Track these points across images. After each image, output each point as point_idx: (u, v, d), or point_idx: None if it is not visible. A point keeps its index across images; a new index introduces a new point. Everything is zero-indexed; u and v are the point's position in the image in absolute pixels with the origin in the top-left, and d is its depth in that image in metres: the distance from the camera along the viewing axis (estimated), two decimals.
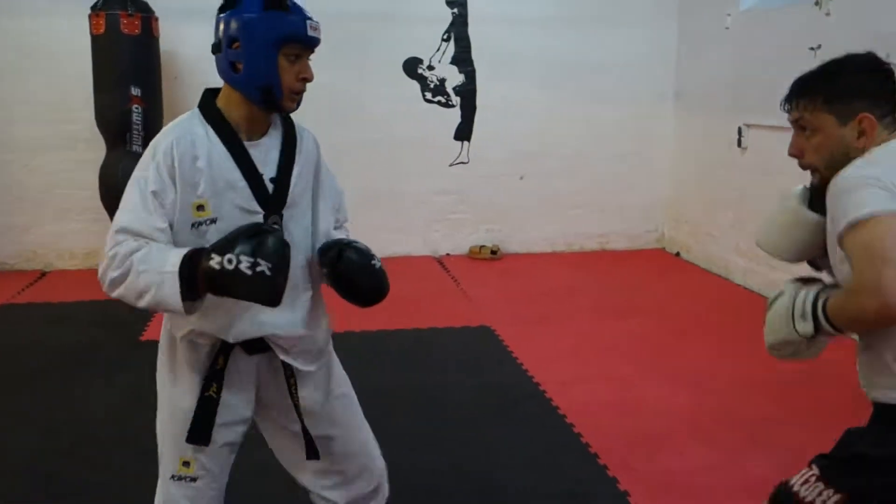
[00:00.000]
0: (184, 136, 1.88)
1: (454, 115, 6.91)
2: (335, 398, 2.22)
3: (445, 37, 6.73)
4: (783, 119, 4.47)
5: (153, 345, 4.69)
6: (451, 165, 6.98)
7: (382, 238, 6.91)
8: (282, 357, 2.05)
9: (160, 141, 1.89)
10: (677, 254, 7.13)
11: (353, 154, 6.73)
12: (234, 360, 2.01)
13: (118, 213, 1.85)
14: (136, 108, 5.51)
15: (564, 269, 6.62)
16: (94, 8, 5.43)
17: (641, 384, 4.08)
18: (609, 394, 3.95)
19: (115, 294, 1.84)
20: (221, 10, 1.91)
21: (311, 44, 2.00)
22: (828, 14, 4.94)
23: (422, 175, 6.92)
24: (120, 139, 5.56)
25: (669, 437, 3.49)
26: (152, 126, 5.65)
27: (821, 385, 4.01)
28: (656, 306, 5.49)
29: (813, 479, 1.77)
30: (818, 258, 1.93)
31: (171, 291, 1.76)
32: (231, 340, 1.97)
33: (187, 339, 1.99)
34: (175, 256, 1.78)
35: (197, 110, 1.96)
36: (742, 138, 5.95)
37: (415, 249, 7.05)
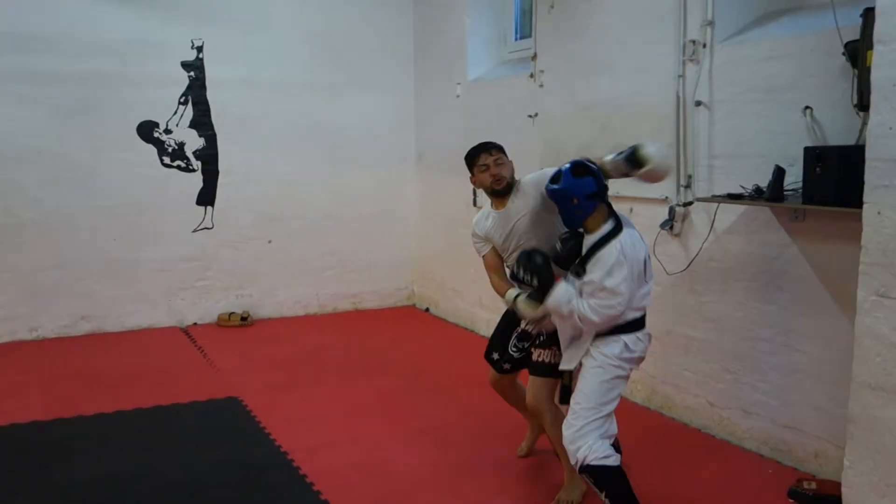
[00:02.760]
0: None
1: (196, 180, 6.70)
2: None
3: (182, 100, 6.54)
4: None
5: None
6: (194, 231, 6.73)
7: (121, 309, 6.51)
8: None
9: None
10: (427, 309, 7.37)
11: (86, 221, 6.32)
12: None
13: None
14: None
15: (317, 332, 6.59)
16: None
17: (388, 444, 4.12)
18: (356, 456, 3.95)
19: None
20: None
21: None
22: (541, 86, 5.44)
23: (163, 242, 6.60)
24: None
25: (417, 494, 3.54)
26: None
27: None
28: (405, 363, 5.60)
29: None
30: None
31: None
32: None
33: None
34: None
35: None
36: (476, 198, 6.32)
37: (158, 320, 6.67)
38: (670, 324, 4.43)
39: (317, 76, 6.97)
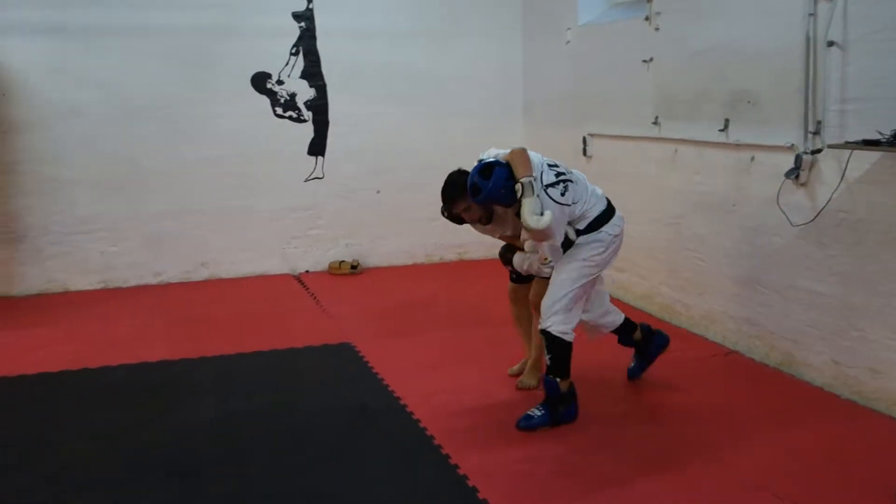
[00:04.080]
0: None
1: (307, 130, 6.82)
2: None
3: (294, 51, 6.64)
4: (622, 128, 4.70)
5: None
6: (306, 181, 6.88)
7: (238, 257, 6.76)
8: None
9: None
10: None
11: (203, 171, 6.56)
12: None
13: None
14: None
15: (424, 281, 6.66)
16: None
17: (496, 391, 4.15)
18: (467, 402, 3.99)
19: None
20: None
21: None
22: (657, 29, 5.22)
23: (276, 191, 6.79)
24: None
25: (527, 441, 3.56)
26: None
27: (668, 385, 4.22)
28: (500, 312, 5.58)
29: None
30: None
31: None
32: None
33: None
34: None
35: None
36: (587, 147, 6.19)
37: (272, 268, 6.89)
38: (793, 277, 4.24)
39: (424, 25, 6.94)
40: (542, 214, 3.42)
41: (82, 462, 3.42)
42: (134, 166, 6.38)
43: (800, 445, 3.47)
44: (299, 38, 6.64)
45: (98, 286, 6.43)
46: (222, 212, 6.66)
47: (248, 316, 5.65)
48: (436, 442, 3.54)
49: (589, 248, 3.68)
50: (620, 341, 4.22)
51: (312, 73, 6.71)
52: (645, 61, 5.35)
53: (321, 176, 6.90)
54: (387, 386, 4.24)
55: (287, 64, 6.64)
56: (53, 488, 3.19)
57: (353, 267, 6.94)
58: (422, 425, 3.72)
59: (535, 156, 3.65)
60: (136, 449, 3.55)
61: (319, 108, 6.79)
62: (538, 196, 3.47)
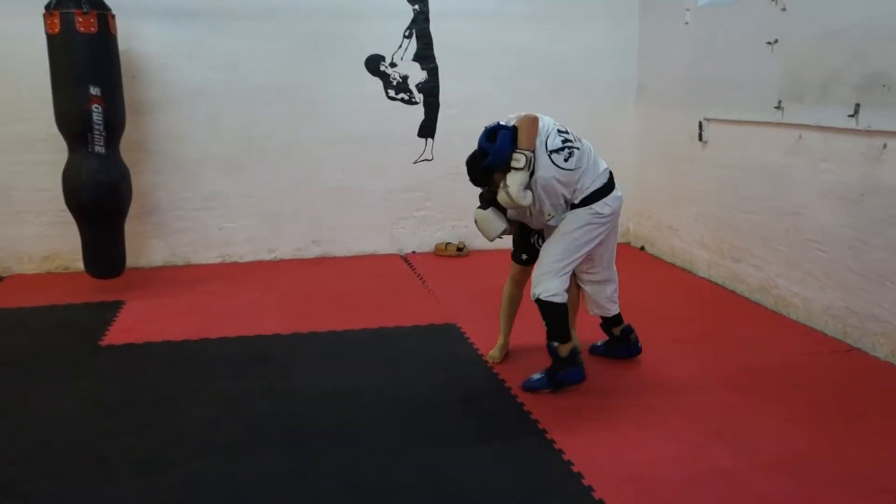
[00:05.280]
0: None
1: (418, 112, 6.89)
2: None
3: (407, 33, 6.70)
4: (742, 113, 4.57)
5: (114, 350, 4.62)
6: (415, 163, 6.96)
7: (348, 236, 6.91)
8: None
9: None
10: (642, 248, 7.18)
11: (317, 152, 6.72)
12: None
13: None
14: (97, 107, 5.38)
15: None
16: (48, 7, 5.31)
17: (605, 379, 4.10)
18: (573, 388, 3.96)
19: None
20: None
21: None
22: (783, 9, 4.99)
23: (386, 172, 6.90)
24: (81, 140, 5.42)
25: (634, 430, 3.51)
26: (114, 126, 5.53)
27: (786, 381, 4.07)
28: (622, 300, 5.50)
29: None
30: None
31: None
32: None
33: None
34: None
35: None
36: (703, 132, 6.00)
37: (381, 247, 7.02)
38: None
39: (538, 6, 6.87)
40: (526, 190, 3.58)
41: (203, 426, 3.60)
42: (253, 145, 6.62)
43: None
44: (413, 21, 6.69)
45: (217, 261, 6.72)
46: (335, 191, 6.83)
47: (357, 294, 5.78)
48: (540, 426, 3.53)
49: (574, 222, 3.78)
50: (602, 325, 4.38)
51: (425, 55, 6.76)
52: (769, 43, 5.13)
53: (431, 158, 6.96)
54: (490, 367, 4.27)
55: (400, 47, 6.72)
56: (178, 450, 3.37)
57: (459, 249, 6.98)
58: (526, 409, 3.72)
59: (547, 121, 3.77)
60: (251, 417, 3.70)
61: (431, 90, 6.84)
62: (531, 170, 3.59)
